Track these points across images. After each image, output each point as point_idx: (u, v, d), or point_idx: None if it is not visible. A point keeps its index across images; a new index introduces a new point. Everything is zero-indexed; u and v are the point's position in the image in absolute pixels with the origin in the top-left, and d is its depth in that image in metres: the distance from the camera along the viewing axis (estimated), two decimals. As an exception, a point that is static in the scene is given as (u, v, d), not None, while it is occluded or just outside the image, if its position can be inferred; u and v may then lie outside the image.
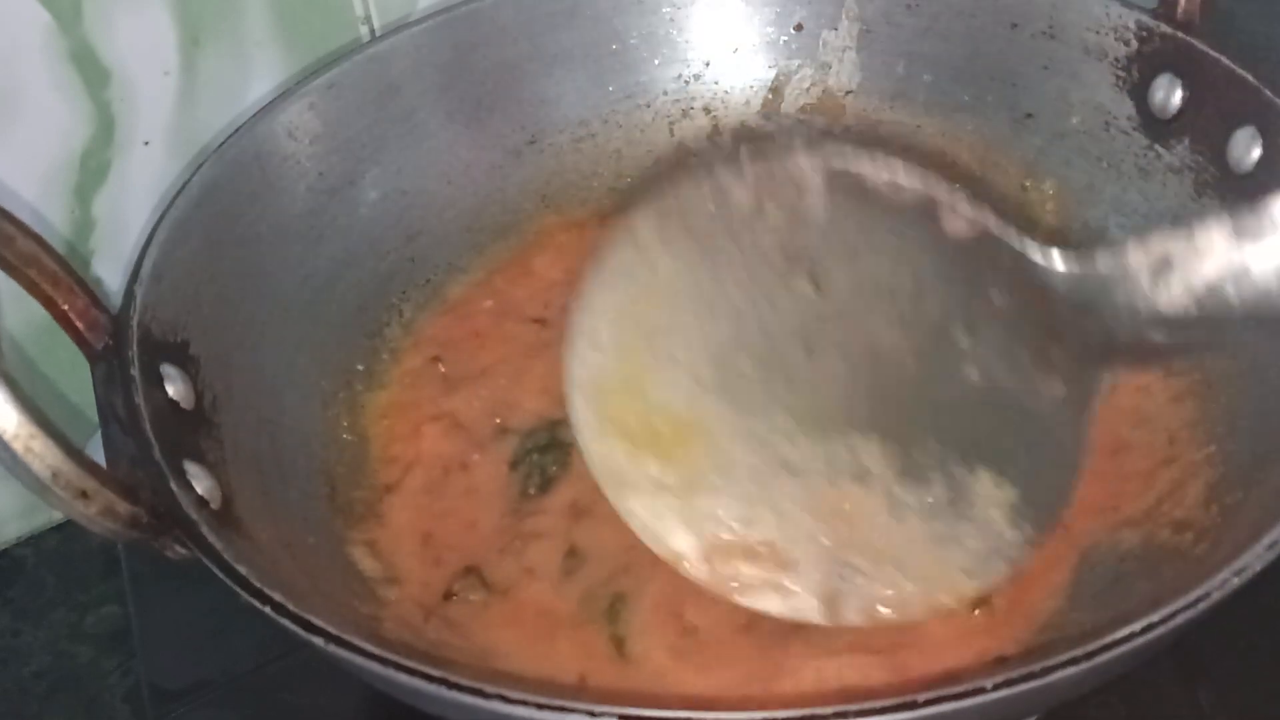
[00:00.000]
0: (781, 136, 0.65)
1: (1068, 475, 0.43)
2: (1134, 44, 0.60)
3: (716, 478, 0.43)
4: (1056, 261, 0.41)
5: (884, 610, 0.44)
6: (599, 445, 0.44)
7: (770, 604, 0.44)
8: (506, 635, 0.51)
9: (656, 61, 0.68)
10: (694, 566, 0.44)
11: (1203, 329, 0.39)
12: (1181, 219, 0.59)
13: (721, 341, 0.43)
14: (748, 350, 0.43)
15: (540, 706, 0.39)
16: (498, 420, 0.59)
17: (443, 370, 0.61)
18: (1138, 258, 0.39)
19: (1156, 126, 0.60)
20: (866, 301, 0.42)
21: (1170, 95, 0.59)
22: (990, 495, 0.44)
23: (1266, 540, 0.42)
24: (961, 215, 0.41)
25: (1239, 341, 0.46)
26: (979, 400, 0.42)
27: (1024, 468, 0.43)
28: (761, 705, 0.39)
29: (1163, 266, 0.39)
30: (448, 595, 0.53)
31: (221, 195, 0.57)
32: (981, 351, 0.42)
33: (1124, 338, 0.40)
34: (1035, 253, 0.41)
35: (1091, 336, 0.40)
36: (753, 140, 0.68)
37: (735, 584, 0.44)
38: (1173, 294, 0.39)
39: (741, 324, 0.43)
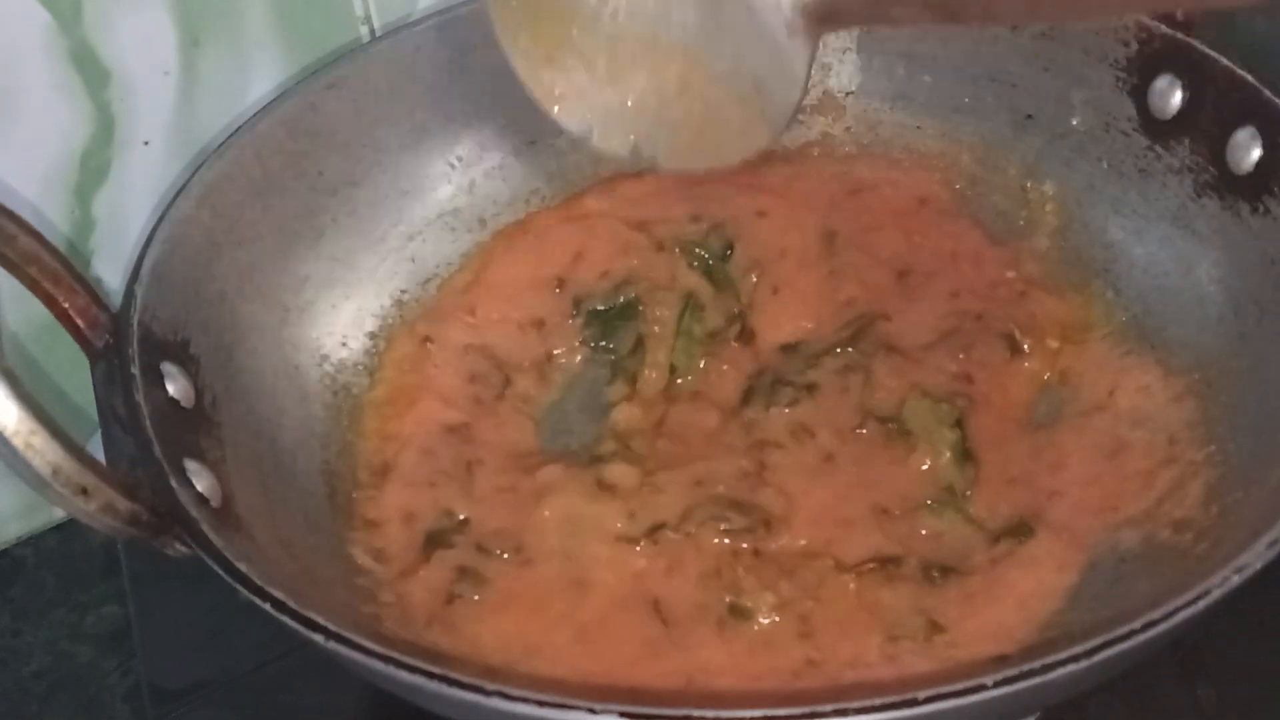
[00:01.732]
0: None
1: (797, 90, 0.49)
2: (1134, 45, 0.60)
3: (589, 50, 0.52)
4: None
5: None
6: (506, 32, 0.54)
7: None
8: (507, 631, 0.52)
9: (657, 62, 0.68)
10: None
11: None
12: (1181, 219, 0.59)
13: None
14: None
15: (540, 704, 0.39)
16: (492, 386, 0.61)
17: (436, 347, 0.62)
18: None
19: (1156, 127, 0.60)
20: None
21: (1170, 96, 0.59)
22: (753, 95, 0.50)
23: (1266, 539, 0.42)
24: None
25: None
26: (748, 33, 0.49)
27: (773, 81, 0.49)
28: (761, 704, 0.39)
29: None
30: (449, 599, 0.53)
31: (221, 195, 0.57)
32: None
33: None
34: None
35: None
36: None
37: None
38: None
39: None
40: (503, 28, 0.54)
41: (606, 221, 0.65)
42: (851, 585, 0.52)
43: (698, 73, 0.51)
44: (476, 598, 0.53)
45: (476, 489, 0.57)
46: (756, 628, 0.51)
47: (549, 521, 0.55)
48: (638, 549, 0.54)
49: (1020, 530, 0.53)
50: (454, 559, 0.54)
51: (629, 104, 0.52)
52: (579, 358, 0.63)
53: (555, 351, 0.62)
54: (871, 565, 0.53)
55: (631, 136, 0.53)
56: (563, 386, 0.62)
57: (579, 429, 0.61)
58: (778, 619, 0.51)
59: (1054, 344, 0.60)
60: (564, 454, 0.59)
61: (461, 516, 0.56)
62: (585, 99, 0.53)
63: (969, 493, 0.55)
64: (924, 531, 0.54)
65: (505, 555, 0.54)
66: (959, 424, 0.57)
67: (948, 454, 0.56)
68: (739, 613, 0.51)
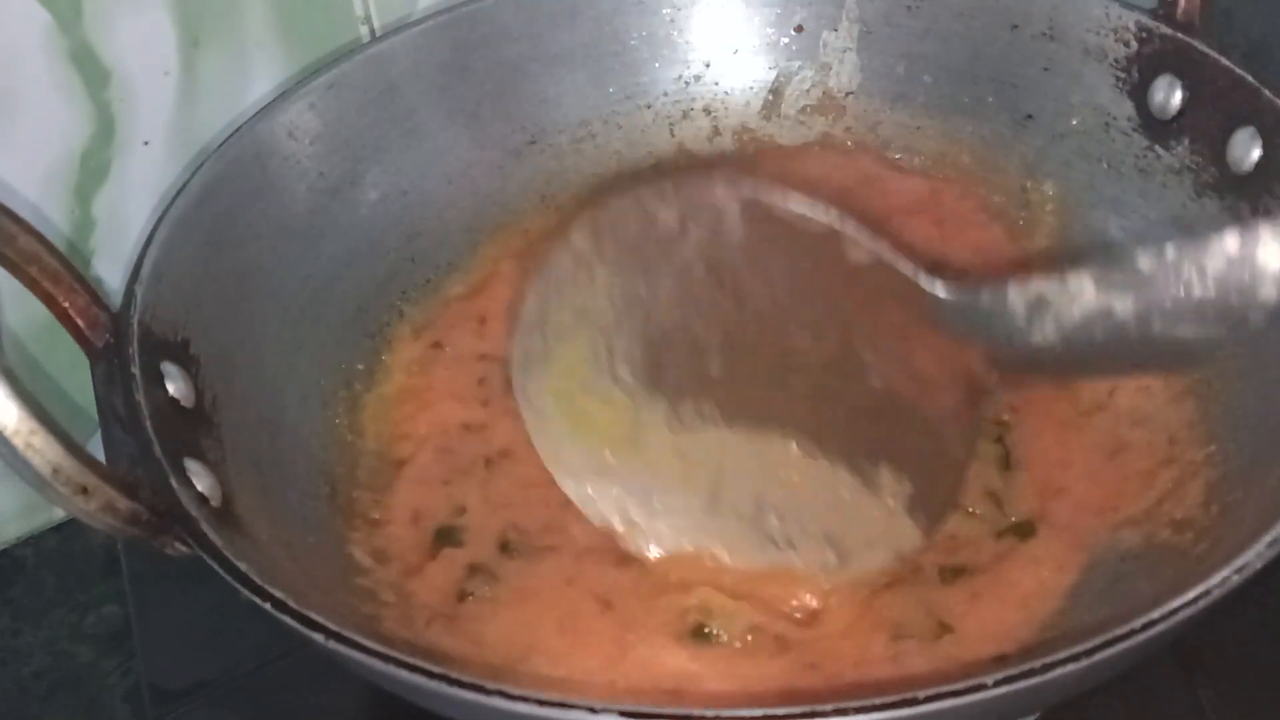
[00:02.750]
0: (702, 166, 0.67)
1: (956, 476, 0.50)
2: (1134, 45, 0.60)
3: (645, 461, 0.50)
4: (940, 290, 0.47)
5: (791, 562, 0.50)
6: (540, 426, 0.51)
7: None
8: (515, 629, 0.52)
9: (657, 63, 0.68)
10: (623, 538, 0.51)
11: (1071, 360, 0.46)
12: (1181, 219, 0.59)
13: (651, 341, 0.49)
14: (675, 350, 0.49)
15: (540, 703, 0.39)
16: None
17: (447, 351, 0.62)
18: (1016, 295, 0.45)
19: (1156, 127, 0.60)
20: (781, 313, 0.48)
21: (1170, 96, 0.59)
22: (890, 487, 0.49)
23: (1267, 538, 0.42)
24: (861, 244, 0.46)
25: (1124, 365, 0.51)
26: (880, 405, 0.48)
27: (919, 467, 0.49)
28: (761, 703, 0.39)
29: (1039, 305, 0.45)
30: (461, 597, 0.53)
31: (221, 195, 0.57)
32: (882, 361, 0.48)
33: (1004, 362, 0.46)
34: (924, 281, 0.46)
35: (976, 358, 0.46)
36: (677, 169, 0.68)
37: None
38: (1045, 330, 0.45)
39: (669, 327, 0.49)
40: (538, 431, 0.51)
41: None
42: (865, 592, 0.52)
43: (812, 466, 0.48)
44: (489, 595, 0.53)
45: (494, 486, 0.57)
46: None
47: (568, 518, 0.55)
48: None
49: (1023, 529, 0.53)
50: (464, 557, 0.54)
51: (720, 507, 0.49)
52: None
53: None
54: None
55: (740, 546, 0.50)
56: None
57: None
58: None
59: None
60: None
61: (474, 514, 0.56)
62: (649, 506, 0.50)
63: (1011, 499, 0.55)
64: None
65: (519, 553, 0.54)
66: (1000, 439, 0.56)
67: (992, 467, 0.56)
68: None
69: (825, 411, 0.48)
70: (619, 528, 0.51)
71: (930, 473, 0.49)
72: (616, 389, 0.49)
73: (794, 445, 0.49)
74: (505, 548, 0.54)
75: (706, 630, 0.51)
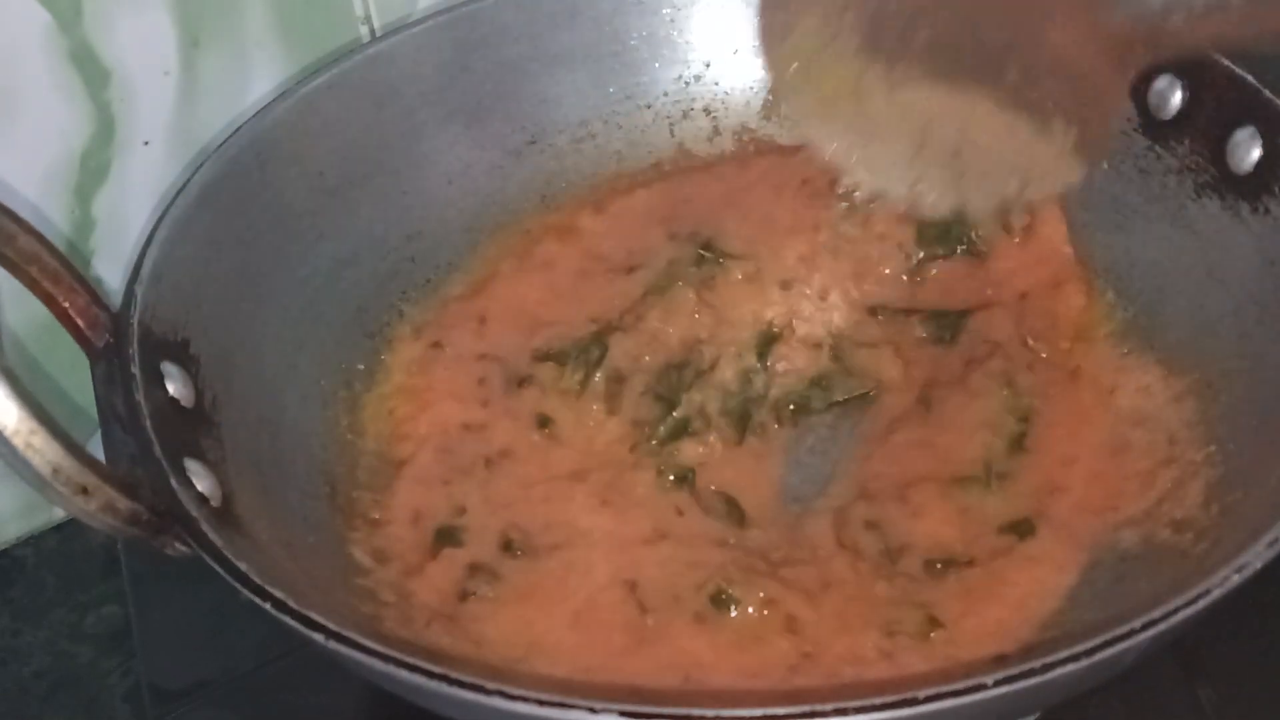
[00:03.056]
0: None
1: (1106, 127, 0.56)
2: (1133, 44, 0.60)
3: (865, 110, 0.54)
4: None
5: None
6: (783, 79, 0.56)
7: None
8: (516, 628, 0.52)
9: (657, 63, 0.68)
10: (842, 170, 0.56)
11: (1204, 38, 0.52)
12: (1181, 219, 0.59)
13: (873, 12, 0.54)
14: (892, 19, 0.54)
15: (541, 703, 0.39)
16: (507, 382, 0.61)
17: (447, 351, 0.62)
18: None
19: (1156, 127, 0.60)
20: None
21: (1170, 96, 0.59)
22: (1060, 133, 0.53)
23: (1266, 538, 0.42)
24: None
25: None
26: (1052, 66, 0.53)
27: (1082, 118, 0.53)
28: (761, 703, 0.39)
29: None
30: (463, 596, 0.53)
31: (221, 195, 0.57)
32: (1055, 33, 0.53)
33: (1148, 34, 0.51)
34: None
35: (1123, 30, 0.51)
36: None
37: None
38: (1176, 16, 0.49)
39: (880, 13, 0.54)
40: (782, 88, 0.56)
41: (602, 242, 0.65)
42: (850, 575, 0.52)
43: (999, 115, 0.53)
44: (491, 594, 0.53)
45: (494, 486, 0.57)
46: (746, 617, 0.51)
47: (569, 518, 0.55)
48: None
49: (1022, 527, 0.53)
50: (464, 557, 0.54)
51: (924, 153, 0.54)
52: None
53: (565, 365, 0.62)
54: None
55: (942, 189, 0.55)
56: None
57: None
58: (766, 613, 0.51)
59: (1065, 344, 0.60)
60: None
61: (475, 514, 0.56)
62: (877, 152, 0.55)
63: (1003, 479, 0.55)
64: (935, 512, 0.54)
65: (520, 552, 0.54)
66: (1025, 419, 0.58)
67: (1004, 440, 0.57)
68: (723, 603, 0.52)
69: (1010, 71, 0.52)
70: (840, 161, 0.55)
71: (1088, 123, 0.53)
72: (845, 50, 0.54)
73: (985, 99, 0.53)
74: (506, 547, 0.54)
75: (724, 596, 0.51)
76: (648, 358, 0.60)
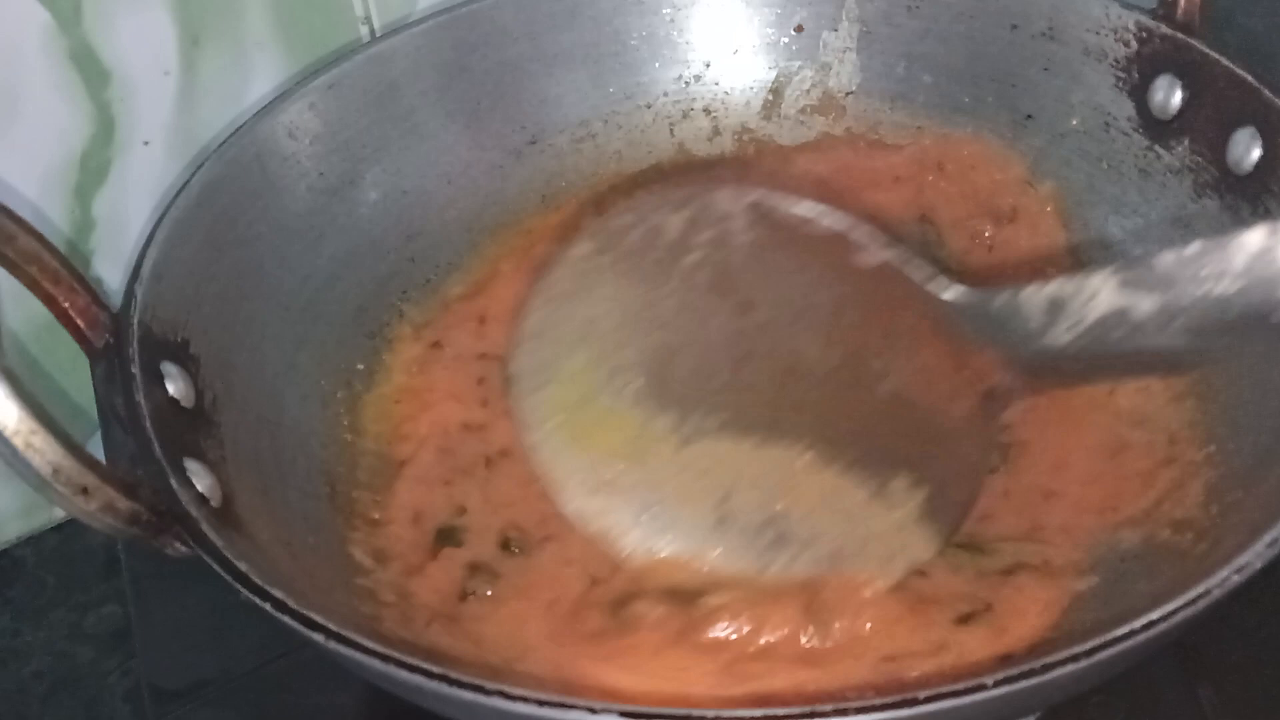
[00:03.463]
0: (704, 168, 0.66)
1: (972, 484, 0.48)
2: (1134, 45, 0.60)
3: (650, 474, 0.48)
4: (954, 294, 0.46)
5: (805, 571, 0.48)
6: (539, 438, 0.49)
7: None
8: (515, 627, 0.52)
9: (657, 63, 0.68)
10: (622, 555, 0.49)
11: (1088, 362, 0.46)
12: (1181, 219, 0.59)
13: (656, 352, 0.47)
14: (681, 360, 0.48)
15: (541, 703, 0.39)
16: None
17: (447, 351, 0.62)
18: (1031, 297, 0.45)
19: (1156, 127, 0.60)
20: (789, 321, 0.47)
21: (1170, 96, 0.59)
22: (903, 497, 0.47)
23: (1266, 538, 0.42)
24: (871, 248, 0.46)
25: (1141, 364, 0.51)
26: (893, 412, 0.47)
27: (934, 474, 0.47)
28: (761, 703, 0.39)
29: (1054, 307, 0.44)
30: (463, 596, 0.53)
31: (221, 195, 0.57)
32: (895, 367, 0.47)
33: (1019, 366, 0.46)
34: (936, 285, 0.46)
35: (991, 362, 0.45)
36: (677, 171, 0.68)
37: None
38: (1061, 332, 0.44)
39: (674, 339, 0.48)
40: (544, 454, 0.49)
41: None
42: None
43: (824, 474, 0.47)
44: (490, 593, 0.53)
45: (494, 485, 0.57)
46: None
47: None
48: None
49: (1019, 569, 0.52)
50: (464, 556, 0.54)
51: (728, 522, 0.47)
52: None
53: None
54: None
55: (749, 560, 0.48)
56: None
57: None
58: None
59: None
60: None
61: (475, 514, 0.56)
62: (668, 520, 0.48)
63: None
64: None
65: (521, 551, 0.54)
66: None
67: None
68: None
69: (836, 420, 0.47)
70: (619, 544, 0.50)
71: (945, 480, 0.48)
72: (622, 401, 0.48)
73: (804, 455, 0.47)
74: (506, 546, 0.54)
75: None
76: None
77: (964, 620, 0.50)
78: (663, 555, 0.49)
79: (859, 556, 0.47)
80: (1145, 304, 0.43)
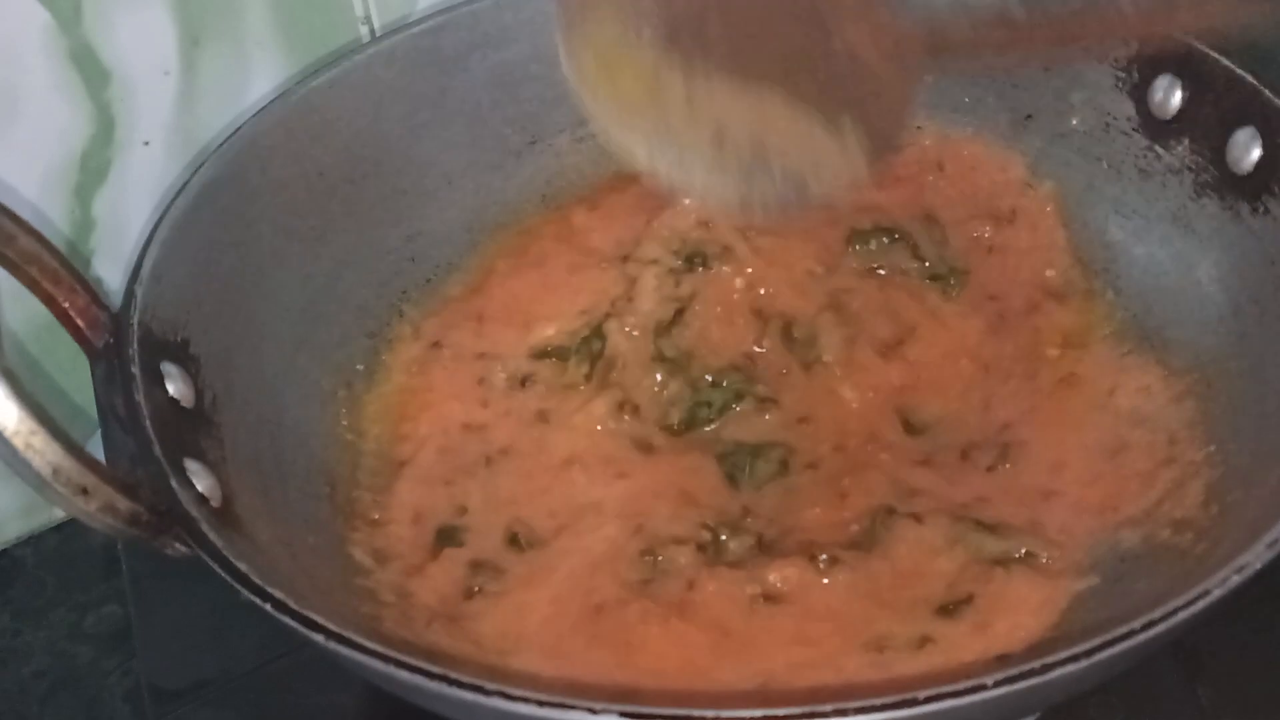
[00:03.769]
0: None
1: (897, 123, 0.56)
2: (1134, 45, 0.60)
3: (663, 105, 0.54)
4: None
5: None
6: (581, 76, 0.54)
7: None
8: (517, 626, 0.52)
9: (657, 63, 0.68)
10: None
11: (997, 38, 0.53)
12: (1181, 219, 0.59)
13: (664, 9, 0.53)
14: (683, 14, 0.54)
15: (541, 704, 0.39)
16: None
17: (446, 351, 0.62)
18: None
19: (1156, 127, 0.60)
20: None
21: (1170, 96, 0.59)
22: (849, 127, 0.53)
23: (1266, 539, 0.42)
24: None
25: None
26: (840, 64, 0.53)
27: (870, 112, 0.54)
28: (761, 703, 0.39)
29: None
30: (468, 594, 0.53)
31: (221, 195, 0.57)
32: (843, 28, 0.53)
33: (932, 40, 0.53)
34: None
35: (916, 33, 0.52)
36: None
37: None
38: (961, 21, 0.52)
39: (676, 15, 0.54)
40: (582, 84, 0.55)
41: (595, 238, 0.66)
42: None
43: (790, 112, 0.53)
44: (495, 589, 0.53)
45: (495, 485, 0.57)
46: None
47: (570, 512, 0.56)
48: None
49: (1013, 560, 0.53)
50: (466, 555, 0.54)
51: (722, 151, 0.53)
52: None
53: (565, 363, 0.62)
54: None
55: (735, 186, 0.54)
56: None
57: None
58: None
59: (1053, 352, 0.60)
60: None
61: (476, 514, 0.56)
62: (676, 151, 0.54)
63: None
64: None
65: (523, 549, 0.54)
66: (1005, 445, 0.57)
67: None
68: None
69: (800, 67, 0.53)
70: (643, 162, 0.54)
71: (873, 121, 0.54)
72: (641, 44, 0.53)
73: (777, 94, 0.53)
74: (509, 543, 0.54)
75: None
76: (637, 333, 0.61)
77: (946, 611, 0.51)
78: (673, 183, 0.55)
79: (819, 176, 0.54)
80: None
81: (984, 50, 0.56)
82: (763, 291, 0.62)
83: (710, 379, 0.60)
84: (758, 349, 0.61)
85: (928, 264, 0.63)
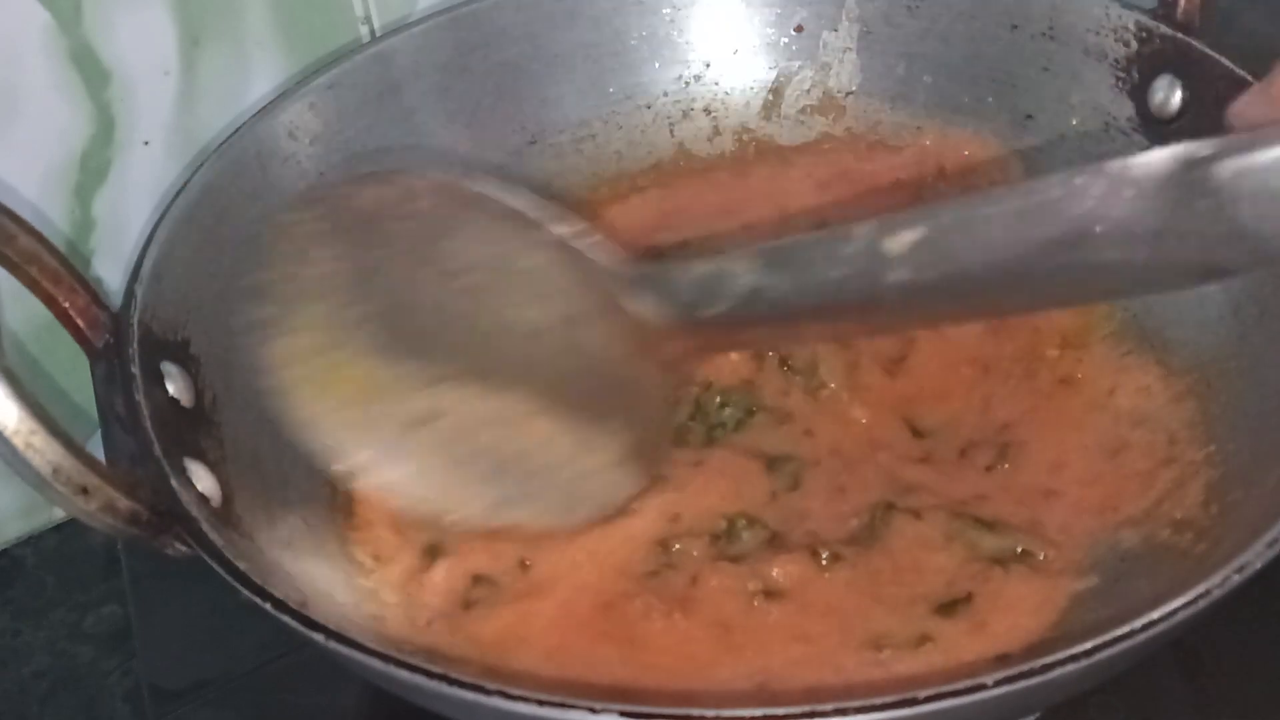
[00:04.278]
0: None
1: (659, 433, 0.54)
2: (1134, 45, 0.60)
3: (390, 417, 0.51)
4: (613, 264, 0.50)
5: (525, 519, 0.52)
6: (282, 387, 0.50)
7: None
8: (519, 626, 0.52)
9: (657, 63, 0.68)
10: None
11: (745, 329, 0.50)
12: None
13: (387, 307, 0.51)
14: (410, 315, 0.51)
15: (541, 703, 0.39)
16: None
17: None
18: (681, 274, 0.49)
19: (1156, 127, 0.60)
20: (491, 285, 0.51)
21: (1170, 96, 0.59)
22: (608, 440, 0.52)
23: (1266, 538, 0.42)
24: (544, 225, 0.50)
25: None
26: (593, 372, 0.51)
27: (631, 422, 0.52)
28: (762, 703, 0.39)
29: (703, 285, 0.48)
30: (467, 605, 0.53)
31: (221, 195, 0.57)
32: (586, 327, 0.51)
33: (683, 327, 0.49)
34: (601, 257, 0.50)
35: (664, 328, 0.49)
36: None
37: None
38: (709, 306, 0.48)
39: (400, 296, 0.51)
40: (288, 395, 0.51)
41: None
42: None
43: (534, 417, 0.51)
44: (500, 598, 0.53)
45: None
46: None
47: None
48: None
49: (1012, 558, 0.53)
50: (463, 563, 0.54)
51: (472, 464, 0.51)
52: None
53: None
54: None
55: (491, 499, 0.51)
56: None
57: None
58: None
59: (1053, 352, 0.60)
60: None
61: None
62: (395, 453, 0.51)
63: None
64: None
65: (526, 548, 0.54)
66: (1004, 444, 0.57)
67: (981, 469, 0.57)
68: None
69: (546, 375, 0.51)
70: (358, 479, 0.52)
71: (643, 426, 0.53)
72: (362, 348, 0.51)
73: (524, 403, 0.51)
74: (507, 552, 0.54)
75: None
76: None
77: (944, 610, 0.51)
78: (396, 495, 0.52)
79: (572, 498, 0.52)
80: (781, 284, 0.47)
81: (744, 332, 0.52)
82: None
83: (719, 400, 0.59)
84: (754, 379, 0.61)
85: None
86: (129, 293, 0.52)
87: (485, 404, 0.51)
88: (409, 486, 0.51)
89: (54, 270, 0.51)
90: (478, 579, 0.54)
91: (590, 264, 0.50)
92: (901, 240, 0.44)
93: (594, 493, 0.52)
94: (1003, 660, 0.47)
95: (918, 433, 0.58)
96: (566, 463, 0.51)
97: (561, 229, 0.50)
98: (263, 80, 0.65)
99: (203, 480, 0.48)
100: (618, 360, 0.50)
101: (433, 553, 0.55)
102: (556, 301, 0.51)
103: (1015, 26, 0.64)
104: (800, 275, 0.47)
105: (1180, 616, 0.40)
